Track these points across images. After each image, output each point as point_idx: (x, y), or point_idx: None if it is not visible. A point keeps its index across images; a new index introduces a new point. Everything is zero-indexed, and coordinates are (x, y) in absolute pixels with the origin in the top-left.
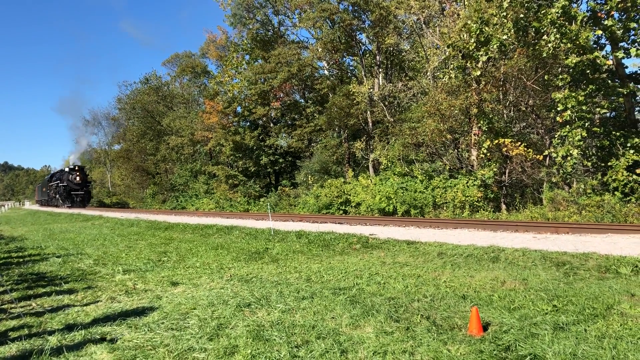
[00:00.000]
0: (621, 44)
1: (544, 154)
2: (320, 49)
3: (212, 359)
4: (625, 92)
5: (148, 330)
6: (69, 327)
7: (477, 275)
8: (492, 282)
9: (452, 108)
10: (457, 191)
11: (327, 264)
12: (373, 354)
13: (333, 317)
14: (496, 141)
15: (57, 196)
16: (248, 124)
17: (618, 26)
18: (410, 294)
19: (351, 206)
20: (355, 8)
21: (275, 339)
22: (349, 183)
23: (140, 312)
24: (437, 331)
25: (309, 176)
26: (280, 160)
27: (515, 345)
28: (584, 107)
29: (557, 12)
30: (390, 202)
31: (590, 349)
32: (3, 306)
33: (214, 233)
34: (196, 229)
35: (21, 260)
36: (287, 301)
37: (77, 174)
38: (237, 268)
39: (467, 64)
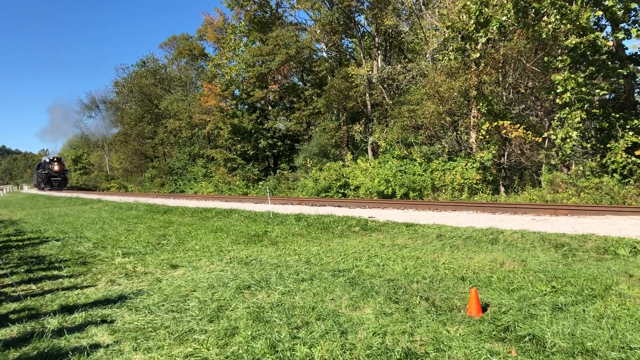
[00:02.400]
0: (622, 24)
1: (543, 136)
2: (318, 31)
3: (213, 341)
4: (625, 74)
5: (148, 312)
6: (69, 310)
7: (476, 256)
8: (491, 264)
9: (451, 90)
10: (456, 174)
11: (327, 246)
12: (373, 334)
13: (332, 299)
14: (495, 123)
15: (41, 181)
16: (246, 107)
17: (619, 7)
18: (410, 276)
19: (350, 189)
20: None
21: (275, 321)
22: (348, 166)
23: (140, 294)
24: (436, 312)
25: (308, 159)
26: (279, 143)
27: (514, 325)
28: (583, 89)
29: None
30: (389, 185)
31: (588, 329)
32: (3, 289)
33: (213, 216)
34: (195, 212)
35: (20, 243)
36: (286, 283)
37: (56, 164)
38: (236, 251)
39: (467, 46)
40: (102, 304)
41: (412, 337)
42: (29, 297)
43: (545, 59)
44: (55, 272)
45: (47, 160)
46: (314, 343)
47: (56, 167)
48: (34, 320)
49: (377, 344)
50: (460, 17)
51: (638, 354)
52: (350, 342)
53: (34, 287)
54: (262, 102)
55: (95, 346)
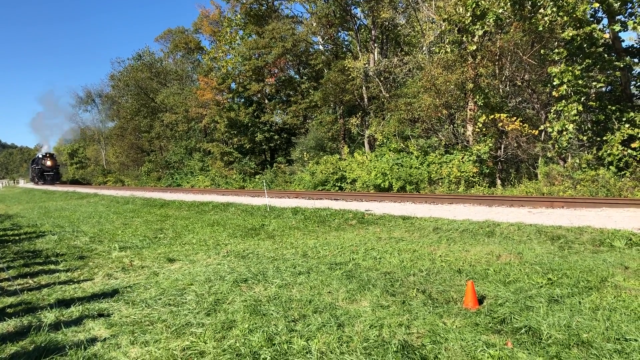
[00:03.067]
0: (618, 17)
1: (540, 128)
2: (314, 24)
3: (210, 334)
4: (621, 66)
5: (145, 306)
6: (66, 304)
7: (473, 249)
8: (487, 256)
9: (447, 83)
10: (452, 167)
11: (323, 239)
12: (369, 327)
13: (329, 292)
14: (492, 116)
15: (35, 175)
16: (242, 100)
17: None
18: (406, 269)
19: (347, 183)
20: None
21: (272, 314)
22: (345, 159)
23: (137, 288)
24: (432, 305)
25: (305, 153)
26: (276, 137)
27: (510, 317)
28: (580, 82)
29: None
30: (386, 178)
31: (584, 320)
32: (0, 283)
33: (209, 210)
34: (192, 206)
35: (17, 237)
36: (283, 276)
37: (48, 159)
38: (233, 244)
39: (463, 39)
40: (99, 297)
41: (408, 330)
42: (25, 291)
43: (542, 51)
44: (52, 266)
45: (40, 156)
46: (311, 336)
47: (49, 163)
48: (31, 314)
49: (374, 336)
50: (457, 10)
51: (633, 345)
52: (347, 335)
53: (30, 281)
54: (259, 95)
55: (93, 340)
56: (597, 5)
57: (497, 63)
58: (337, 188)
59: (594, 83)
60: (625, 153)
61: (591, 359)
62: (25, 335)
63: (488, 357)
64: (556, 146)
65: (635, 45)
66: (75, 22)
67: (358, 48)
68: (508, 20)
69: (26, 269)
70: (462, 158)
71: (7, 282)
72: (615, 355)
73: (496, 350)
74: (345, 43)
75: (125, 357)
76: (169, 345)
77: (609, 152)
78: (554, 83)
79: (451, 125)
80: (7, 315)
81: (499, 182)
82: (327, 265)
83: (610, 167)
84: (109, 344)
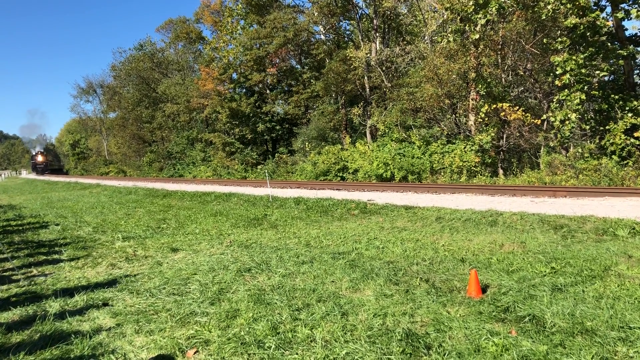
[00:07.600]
0: (622, 4)
1: (542, 118)
2: (316, 13)
3: (215, 323)
4: (624, 55)
5: (149, 295)
6: (71, 293)
7: (476, 238)
8: (490, 246)
9: (450, 72)
10: (454, 156)
11: (326, 229)
12: (373, 316)
13: (333, 281)
14: (494, 106)
15: (31, 167)
16: (244, 90)
17: None
18: (409, 258)
19: (349, 173)
20: None
21: (276, 303)
22: (347, 150)
23: (141, 277)
24: (436, 293)
25: (306, 143)
26: (277, 127)
27: (514, 306)
28: (583, 70)
29: None
30: (388, 168)
31: (588, 309)
32: (4, 273)
33: (212, 200)
34: (194, 196)
35: (20, 228)
36: (287, 266)
37: (39, 155)
38: (236, 234)
39: (466, 28)
40: (103, 287)
41: (412, 318)
42: (30, 281)
43: (545, 40)
44: (56, 256)
45: (34, 152)
46: (315, 324)
47: (39, 158)
48: (36, 303)
49: (378, 325)
50: None
51: (637, 333)
52: (351, 324)
53: (35, 271)
54: (260, 85)
55: (98, 329)
56: None
57: (499, 52)
58: (339, 178)
59: (597, 72)
60: (628, 142)
61: (595, 346)
62: (31, 325)
63: (492, 346)
64: (559, 135)
65: (638, 34)
66: (77, 14)
67: (360, 37)
68: (511, 9)
69: (30, 259)
70: (464, 148)
71: (11, 272)
72: (620, 343)
73: (500, 338)
74: (347, 33)
75: (131, 345)
76: (173, 334)
77: (611, 141)
78: (557, 72)
79: (453, 115)
80: (12, 304)
81: (501, 171)
82: (330, 255)
83: (613, 156)
84: (114, 333)
